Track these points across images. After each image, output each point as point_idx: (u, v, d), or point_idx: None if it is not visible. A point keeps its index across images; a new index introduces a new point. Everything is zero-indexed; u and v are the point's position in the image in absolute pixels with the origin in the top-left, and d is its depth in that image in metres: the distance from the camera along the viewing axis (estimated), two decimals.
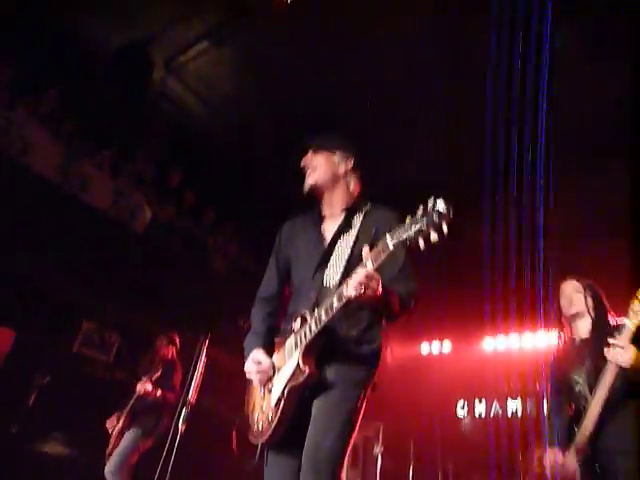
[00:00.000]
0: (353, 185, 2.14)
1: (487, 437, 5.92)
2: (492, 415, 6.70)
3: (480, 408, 6.89)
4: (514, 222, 5.45)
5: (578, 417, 2.47)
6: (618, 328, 2.49)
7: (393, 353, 7.66)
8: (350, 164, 2.14)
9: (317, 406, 1.82)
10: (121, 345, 5.10)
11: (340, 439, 1.74)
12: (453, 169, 5.80)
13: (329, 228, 2.11)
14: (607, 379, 2.37)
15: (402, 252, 1.90)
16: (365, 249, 1.74)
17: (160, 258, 5.61)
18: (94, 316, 5.05)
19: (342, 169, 2.12)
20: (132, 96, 5.87)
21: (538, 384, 6.12)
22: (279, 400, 1.83)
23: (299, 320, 1.91)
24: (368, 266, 1.69)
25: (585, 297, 2.78)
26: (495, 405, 6.76)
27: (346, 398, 1.81)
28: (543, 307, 5.69)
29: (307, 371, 1.78)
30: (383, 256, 1.66)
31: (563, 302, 2.85)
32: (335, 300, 1.76)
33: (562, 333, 2.86)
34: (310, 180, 2.09)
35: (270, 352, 1.99)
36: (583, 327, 2.77)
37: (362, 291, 1.68)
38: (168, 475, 2.78)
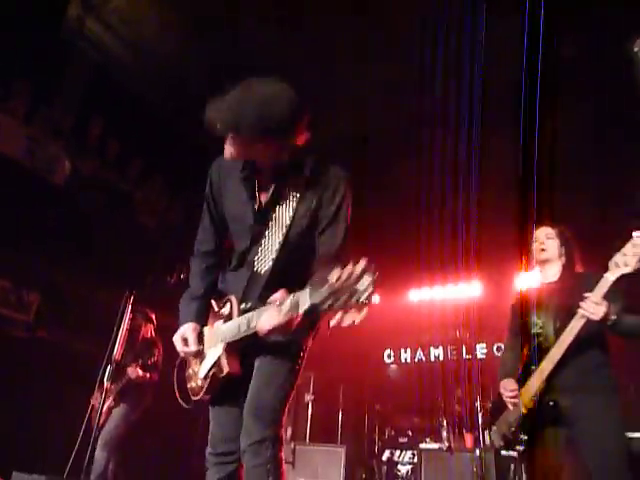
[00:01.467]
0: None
1: (411, 381, 6.34)
2: (416, 361, 7.16)
3: (405, 355, 7.33)
4: (439, 175, 5.62)
5: (537, 356, 2.57)
6: (588, 277, 2.55)
7: None
8: None
9: (258, 364, 1.85)
10: (41, 304, 4.86)
11: (281, 389, 1.81)
12: (382, 121, 5.82)
13: (263, 186, 1.85)
14: (574, 327, 2.42)
15: (343, 215, 1.81)
16: (282, 293, 1.61)
17: (82, 212, 5.32)
18: (10, 274, 4.75)
19: None
20: (46, 35, 5.34)
21: (458, 332, 6.59)
22: (205, 377, 1.87)
23: (228, 305, 1.89)
24: (279, 319, 1.59)
25: (558, 243, 2.82)
26: (419, 352, 7.21)
27: (285, 357, 1.85)
28: (464, 260, 6.04)
29: (226, 371, 1.79)
30: (296, 311, 1.53)
31: (535, 247, 2.87)
32: (245, 326, 1.73)
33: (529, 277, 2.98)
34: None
35: (205, 317, 1.98)
36: (551, 272, 2.82)
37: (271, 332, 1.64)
38: (94, 432, 2.77)
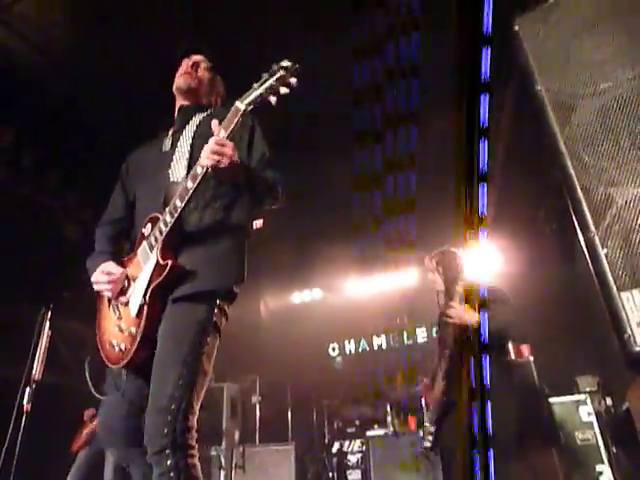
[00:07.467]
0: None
1: (356, 372, 6.42)
2: (360, 351, 7.27)
3: (350, 347, 7.41)
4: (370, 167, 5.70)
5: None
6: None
7: (267, 305, 7.83)
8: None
9: (162, 334, 1.66)
10: None
11: (182, 380, 1.57)
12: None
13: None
14: (451, 334, 2.89)
15: (262, 143, 1.93)
16: (214, 122, 1.68)
17: None
18: None
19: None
20: None
21: (398, 319, 6.74)
22: (141, 308, 1.67)
23: (148, 225, 1.78)
24: (221, 134, 1.64)
25: (440, 273, 3.25)
26: (362, 342, 7.31)
27: (191, 323, 1.65)
28: (401, 249, 6.17)
29: (169, 263, 1.66)
30: (235, 121, 1.64)
31: (430, 277, 3.34)
32: (189, 181, 1.67)
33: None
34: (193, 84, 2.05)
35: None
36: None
37: (217, 160, 1.61)
38: (15, 457, 2.57)
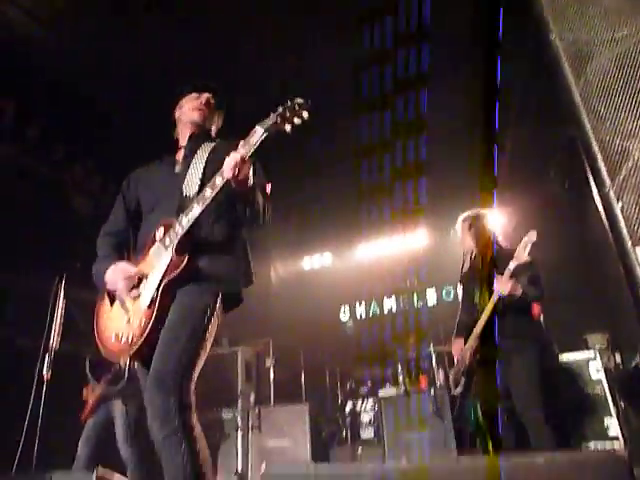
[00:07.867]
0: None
1: (368, 334, 6.50)
2: (371, 315, 7.34)
3: (360, 310, 7.48)
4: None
5: (474, 319, 3.21)
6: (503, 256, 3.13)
7: (277, 271, 7.88)
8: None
9: (172, 311, 1.77)
10: None
11: (184, 352, 1.69)
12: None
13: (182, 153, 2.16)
14: (492, 301, 3.08)
15: (261, 173, 2.03)
16: (241, 142, 1.80)
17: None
18: None
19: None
20: None
21: (408, 281, 6.75)
22: (153, 300, 1.77)
23: (161, 229, 1.88)
24: (241, 152, 1.74)
25: (471, 235, 3.36)
26: (373, 305, 7.38)
27: (196, 306, 1.78)
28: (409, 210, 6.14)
29: (184, 260, 1.78)
30: (254, 142, 1.77)
31: (460, 237, 3.45)
32: (208, 189, 1.79)
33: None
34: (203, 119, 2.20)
35: None
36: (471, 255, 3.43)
37: (237, 173, 1.72)
38: (39, 427, 2.65)
